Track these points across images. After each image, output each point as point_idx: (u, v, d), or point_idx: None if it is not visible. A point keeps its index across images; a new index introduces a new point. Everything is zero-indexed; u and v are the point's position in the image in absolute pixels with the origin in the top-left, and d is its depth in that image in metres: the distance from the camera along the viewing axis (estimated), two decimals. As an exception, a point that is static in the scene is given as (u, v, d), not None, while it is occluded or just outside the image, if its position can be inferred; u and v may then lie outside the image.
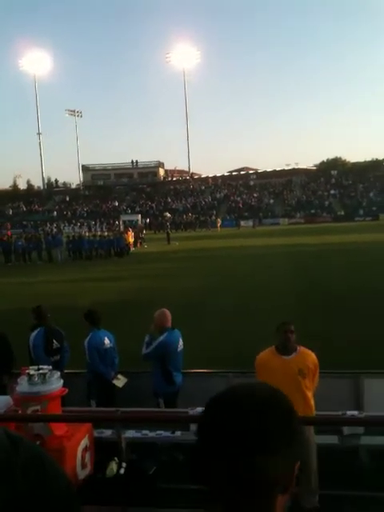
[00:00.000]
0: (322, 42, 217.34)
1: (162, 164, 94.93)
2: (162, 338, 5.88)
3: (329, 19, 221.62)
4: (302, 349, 4.69)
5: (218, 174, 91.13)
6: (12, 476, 0.86)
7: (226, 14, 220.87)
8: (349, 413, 4.59)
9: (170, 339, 5.90)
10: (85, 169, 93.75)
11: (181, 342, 6.05)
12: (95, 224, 64.95)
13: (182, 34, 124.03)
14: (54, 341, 6.52)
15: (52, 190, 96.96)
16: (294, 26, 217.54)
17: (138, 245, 38.93)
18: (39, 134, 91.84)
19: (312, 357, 4.66)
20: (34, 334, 6.46)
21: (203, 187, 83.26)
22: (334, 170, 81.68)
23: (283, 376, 4.32)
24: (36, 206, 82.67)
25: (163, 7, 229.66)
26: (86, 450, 4.43)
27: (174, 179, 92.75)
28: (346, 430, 4.93)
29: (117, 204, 79.11)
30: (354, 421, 4.51)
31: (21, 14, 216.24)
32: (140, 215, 63.17)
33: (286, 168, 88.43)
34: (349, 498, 4.31)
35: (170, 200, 78.13)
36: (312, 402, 4.57)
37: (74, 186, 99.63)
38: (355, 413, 4.68)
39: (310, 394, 4.57)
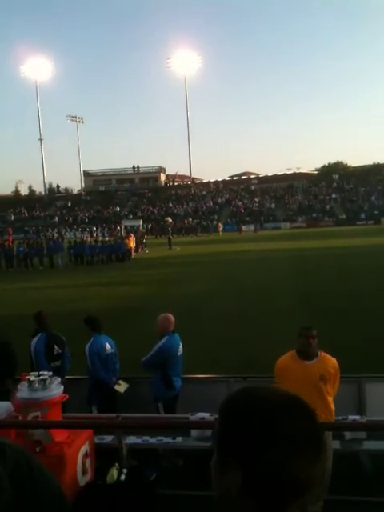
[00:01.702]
0: (323, 46, 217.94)
1: (164, 169, 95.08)
2: (162, 342, 5.89)
3: (330, 22, 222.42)
4: (323, 354, 4.67)
5: (220, 179, 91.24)
6: None
7: (226, 19, 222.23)
8: (350, 417, 4.58)
9: (170, 343, 5.91)
10: (86, 174, 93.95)
11: (180, 347, 6.06)
12: (97, 229, 65.02)
13: (183, 39, 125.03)
14: (55, 346, 6.51)
15: (54, 195, 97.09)
16: (294, 29, 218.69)
17: (140, 250, 38.92)
18: (41, 139, 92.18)
19: (333, 362, 4.65)
20: (35, 339, 6.45)
21: (204, 192, 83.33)
22: (335, 174, 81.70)
23: (304, 381, 4.30)
24: (38, 212, 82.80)
25: (164, 13, 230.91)
26: (86, 456, 4.41)
27: (176, 184, 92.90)
28: (348, 434, 4.91)
29: (118, 209, 79.19)
30: (355, 426, 4.50)
31: (22, 21, 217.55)
32: (141, 220, 63.18)
33: (288, 172, 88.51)
34: (351, 503, 4.29)
35: (171, 205, 78.20)
36: (332, 406, 4.54)
37: (75, 192, 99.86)
38: (357, 417, 4.67)
39: (330, 400, 4.55)
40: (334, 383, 4.64)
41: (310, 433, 0.91)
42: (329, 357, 4.69)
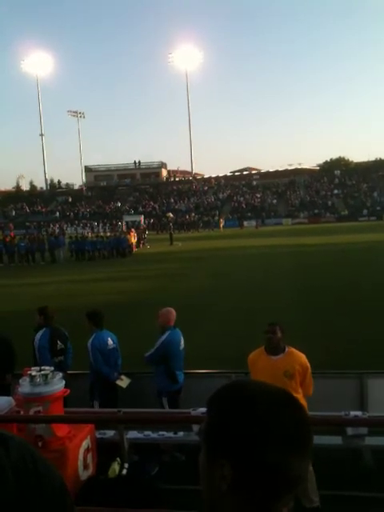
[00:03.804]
0: (325, 42, 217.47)
1: (165, 164, 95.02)
2: (164, 336, 5.89)
3: (332, 17, 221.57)
4: (290, 350, 4.72)
5: (221, 175, 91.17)
6: (3, 476, 0.83)
7: (228, 15, 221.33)
8: (352, 413, 4.56)
9: (172, 338, 5.92)
10: (88, 170, 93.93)
11: (182, 341, 6.07)
12: (98, 225, 65.03)
13: (184, 34, 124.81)
14: (59, 342, 6.51)
15: (55, 190, 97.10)
16: (296, 26, 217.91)
17: (141, 245, 38.93)
18: (42, 135, 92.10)
19: (301, 358, 4.67)
20: (38, 334, 6.45)
21: (206, 187, 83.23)
22: (337, 170, 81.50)
23: (269, 376, 4.31)
24: (39, 207, 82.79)
25: (165, 8, 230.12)
26: (87, 450, 4.42)
27: (177, 180, 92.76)
28: (350, 430, 4.90)
29: (119, 205, 79.16)
30: (357, 421, 4.48)
31: (22, 16, 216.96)
32: (143, 216, 63.18)
33: (289, 168, 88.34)
34: (352, 498, 4.28)
35: (172, 200, 78.15)
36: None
37: (76, 187, 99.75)
38: (359, 413, 4.65)
39: (297, 396, 4.54)
40: (303, 380, 4.64)
41: (298, 427, 0.90)
42: (297, 352, 4.72)
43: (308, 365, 4.67)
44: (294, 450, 0.88)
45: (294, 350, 4.74)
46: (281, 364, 4.58)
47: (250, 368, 4.85)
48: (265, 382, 1.00)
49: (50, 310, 6.73)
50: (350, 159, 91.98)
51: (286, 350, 4.70)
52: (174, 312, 6.08)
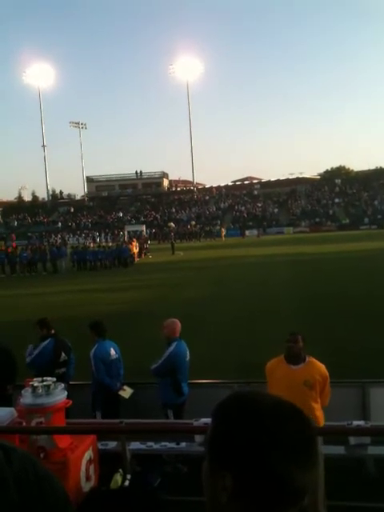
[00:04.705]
0: (324, 50, 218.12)
1: (166, 174, 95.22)
2: (171, 348, 5.85)
3: (331, 25, 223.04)
4: (311, 360, 4.70)
5: (222, 184, 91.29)
6: (5, 486, 0.84)
7: (227, 25, 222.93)
8: (355, 423, 4.55)
9: (179, 350, 5.88)
10: (89, 180, 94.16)
11: (188, 352, 6.05)
12: (100, 235, 65.13)
13: (185, 45, 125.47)
14: (62, 353, 6.52)
15: (57, 201, 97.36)
16: (295, 34, 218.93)
17: (143, 255, 38.97)
18: (44, 146, 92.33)
19: (321, 369, 4.66)
20: (44, 344, 6.48)
21: (207, 197, 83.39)
22: (338, 179, 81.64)
23: (288, 385, 4.33)
24: (41, 218, 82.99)
25: (166, 19, 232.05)
26: (90, 462, 4.40)
27: (178, 189, 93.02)
28: (353, 440, 4.88)
29: (121, 215, 79.33)
30: (360, 431, 4.47)
31: (24, 27, 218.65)
32: (144, 226, 63.27)
33: (290, 177, 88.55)
34: (355, 509, 4.26)
35: (174, 210, 78.29)
36: (318, 413, 4.55)
37: (78, 198, 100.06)
38: (361, 423, 4.63)
39: (316, 406, 4.55)
40: (322, 390, 4.64)
41: (303, 439, 0.90)
42: (317, 363, 4.71)
43: (328, 375, 4.67)
44: (298, 461, 0.87)
45: (314, 359, 4.73)
46: (301, 373, 4.56)
47: (267, 376, 4.80)
48: (271, 393, 1.00)
49: (48, 320, 6.77)
50: (351, 168, 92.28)
51: (307, 359, 4.68)
52: (179, 323, 6.05)
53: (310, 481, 0.88)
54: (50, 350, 6.43)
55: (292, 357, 4.65)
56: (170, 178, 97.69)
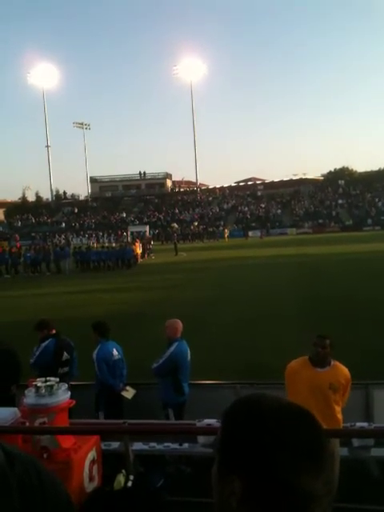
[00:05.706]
0: (328, 51, 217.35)
1: (170, 175, 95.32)
2: (172, 348, 5.87)
3: (336, 27, 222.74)
4: (336, 363, 4.70)
5: (226, 185, 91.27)
6: (7, 490, 0.83)
7: (231, 26, 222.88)
8: (358, 424, 4.54)
9: (180, 349, 5.90)
10: (93, 180, 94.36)
11: (189, 353, 6.06)
12: (103, 235, 65.22)
13: (189, 46, 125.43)
14: (65, 353, 6.53)
15: (60, 201, 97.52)
16: (299, 34, 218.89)
17: (146, 256, 38.98)
18: (48, 146, 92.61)
19: (345, 372, 4.66)
20: (45, 344, 6.49)
21: (211, 198, 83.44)
22: (341, 180, 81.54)
23: (313, 388, 4.34)
24: (45, 218, 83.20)
25: (170, 20, 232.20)
26: (93, 462, 4.40)
27: (182, 190, 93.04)
28: (356, 441, 4.88)
29: (125, 215, 79.44)
30: (363, 432, 4.46)
31: (28, 28, 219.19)
32: (148, 226, 63.33)
33: (294, 178, 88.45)
34: (359, 511, 4.25)
35: (177, 211, 78.33)
36: (339, 416, 4.56)
37: (82, 198, 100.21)
38: (365, 424, 4.63)
39: (338, 409, 4.56)
40: (344, 393, 4.64)
41: (315, 444, 0.88)
42: (341, 366, 4.70)
43: (350, 379, 4.67)
44: (306, 465, 0.85)
45: (339, 363, 4.72)
46: (326, 377, 4.54)
47: (288, 376, 4.72)
48: (291, 395, 1.00)
49: (48, 320, 6.78)
50: (354, 169, 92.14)
51: (332, 363, 4.67)
52: (180, 323, 6.07)
53: (321, 487, 0.85)
54: (52, 350, 6.44)
55: (319, 360, 4.63)
56: (174, 179, 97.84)
